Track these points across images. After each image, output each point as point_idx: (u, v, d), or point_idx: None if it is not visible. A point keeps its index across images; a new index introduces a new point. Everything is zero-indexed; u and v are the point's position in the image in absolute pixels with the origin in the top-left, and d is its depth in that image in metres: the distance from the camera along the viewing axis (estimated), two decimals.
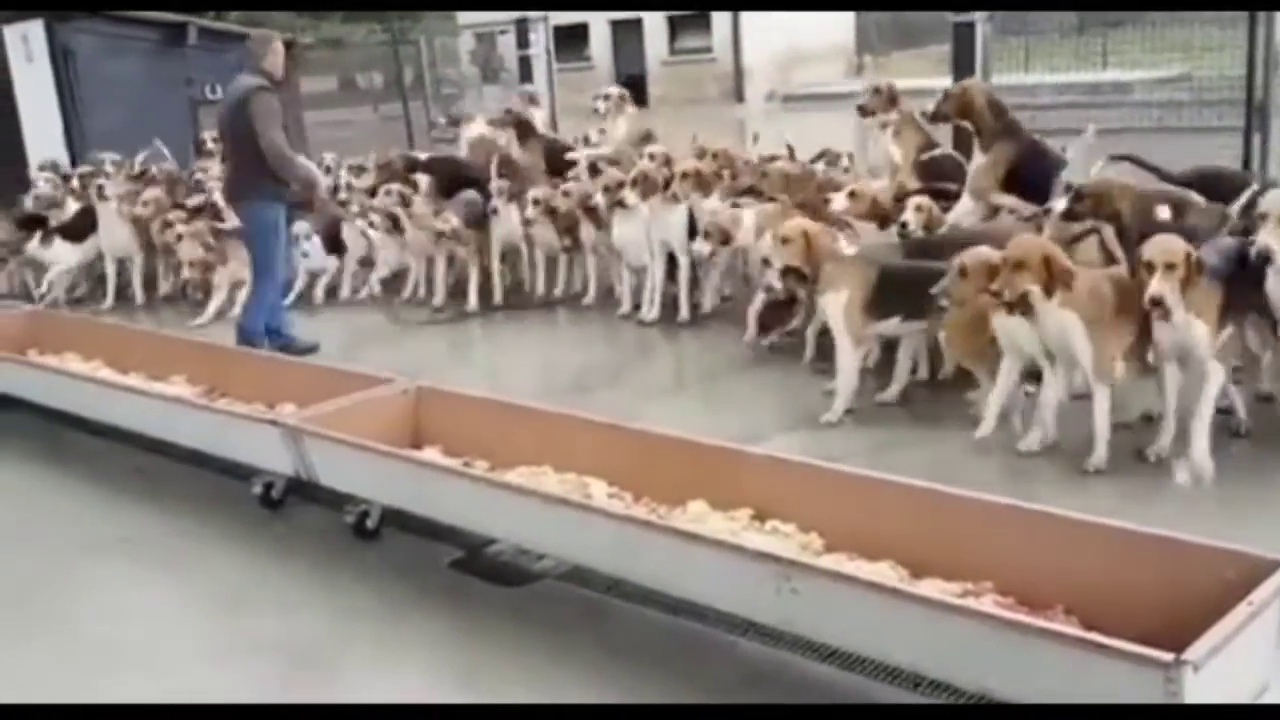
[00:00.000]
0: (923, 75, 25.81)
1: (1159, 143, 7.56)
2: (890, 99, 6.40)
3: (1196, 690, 2.29)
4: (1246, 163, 6.87)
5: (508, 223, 7.47)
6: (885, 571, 3.10)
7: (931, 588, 2.97)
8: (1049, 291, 4.24)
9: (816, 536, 3.42)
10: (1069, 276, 4.25)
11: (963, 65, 7.62)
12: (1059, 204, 5.04)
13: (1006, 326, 4.46)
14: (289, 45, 14.88)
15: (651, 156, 7.26)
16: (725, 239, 6.14)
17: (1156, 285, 4.06)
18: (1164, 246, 4.14)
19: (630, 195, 6.75)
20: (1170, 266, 4.08)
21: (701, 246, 6.15)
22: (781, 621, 3.01)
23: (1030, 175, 5.65)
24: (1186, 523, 3.16)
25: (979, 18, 7.42)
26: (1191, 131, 7.56)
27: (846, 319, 5.00)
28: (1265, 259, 4.18)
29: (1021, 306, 4.30)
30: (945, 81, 8.16)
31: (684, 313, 6.85)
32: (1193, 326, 4.18)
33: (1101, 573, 2.93)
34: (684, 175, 6.73)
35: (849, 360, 5.04)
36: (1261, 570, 2.63)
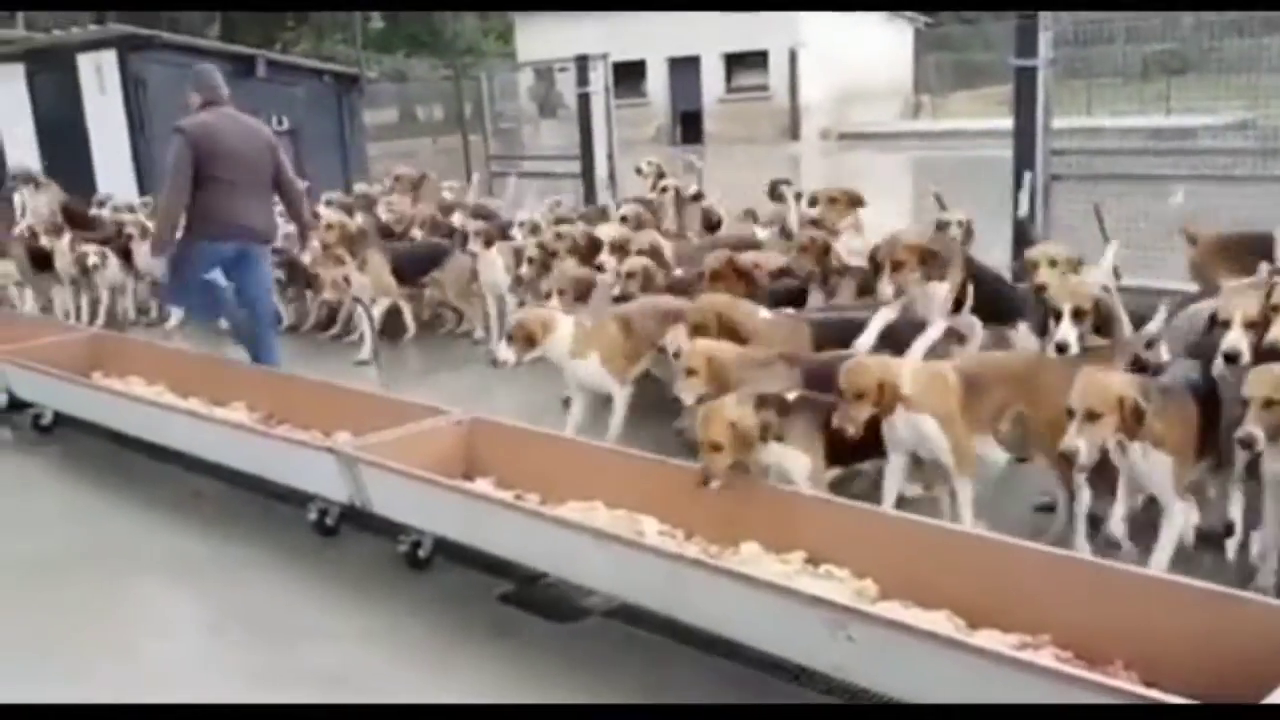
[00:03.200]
0: (980, 116, 25.82)
1: (1221, 191, 7.46)
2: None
3: None
4: None
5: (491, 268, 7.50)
6: (942, 621, 3.06)
7: (989, 639, 2.92)
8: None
9: (871, 583, 3.38)
10: None
11: (1024, 108, 7.58)
12: None
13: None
14: (354, 79, 15.23)
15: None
16: (530, 342, 5.06)
17: (1070, 439, 3.39)
18: (1090, 389, 3.41)
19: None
20: (1093, 416, 3.39)
21: (506, 352, 5.04)
22: (835, 668, 2.97)
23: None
24: None
25: (1041, 60, 7.37)
26: (1254, 180, 7.42)
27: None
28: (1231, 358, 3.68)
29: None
30: (1004, 123, 8.13)
31: None
32: (1150, 458, 3.52)
33: (1162, 628, 2.86)
34: (630, 275, 5.99)
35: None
36: None
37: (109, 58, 13.43)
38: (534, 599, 3.97)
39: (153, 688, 3.58)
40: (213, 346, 7.70)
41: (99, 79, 13.49)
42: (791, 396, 4.02)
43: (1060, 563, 3.16)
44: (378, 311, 7.63)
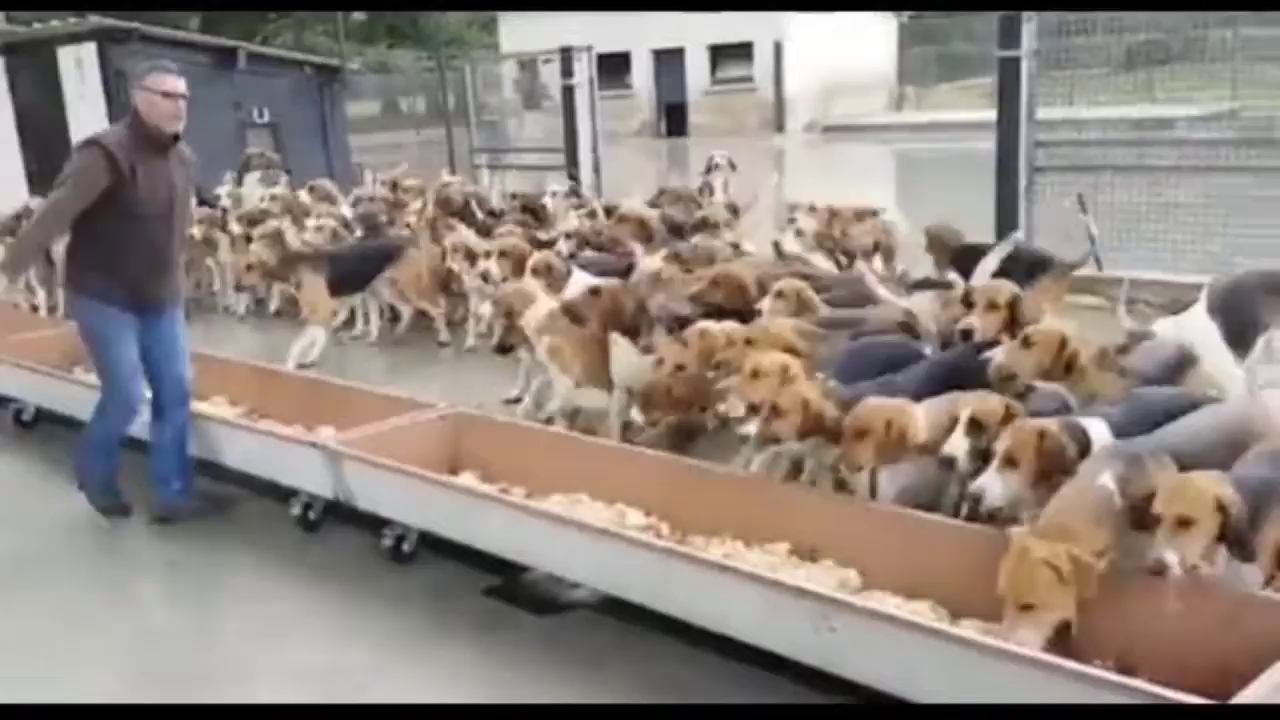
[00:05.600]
0: (964, 108, 25.86)
1: (1202, 180, 7.50)
2: None
3: None
4: None
5: None
6: (925, 611, 3.06)
7: (973, 629, 2.92)
8: None
9: (855, 573, 3.38)
10: None
11: (1008, 99, 7.58)
12: None
13: None
14: (335, 71, 15.13)
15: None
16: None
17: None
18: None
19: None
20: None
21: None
22: (819, 660, 2.96)
23: None
24: None
25: (1024, 51, 7.38)
26: (1236, 170, 7.46)
27: None
28: None
29: None
30: (989, 115, 8.13)
31: None
32: None
33: (1151, 619, 2.85)
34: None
35: None
36: None
37: (89, 50, 13.35)
38: (519, 592, 3.96)
39: (136, 685, 3.56)
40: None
41: (79, 72, 13.41)
42: None
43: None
44: (311, 331, 7.07)
